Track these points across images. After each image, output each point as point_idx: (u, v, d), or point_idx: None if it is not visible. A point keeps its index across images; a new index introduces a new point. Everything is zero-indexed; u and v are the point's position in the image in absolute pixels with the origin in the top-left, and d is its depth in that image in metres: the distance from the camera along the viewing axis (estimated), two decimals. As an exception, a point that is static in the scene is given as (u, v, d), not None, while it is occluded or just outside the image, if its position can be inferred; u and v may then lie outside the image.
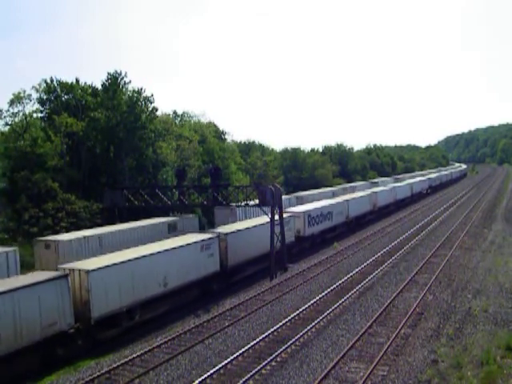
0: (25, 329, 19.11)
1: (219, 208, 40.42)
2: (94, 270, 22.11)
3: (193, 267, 28.22)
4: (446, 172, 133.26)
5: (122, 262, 23.79)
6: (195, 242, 28.80)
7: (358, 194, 59.82)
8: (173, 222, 37.21)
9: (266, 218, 36.02)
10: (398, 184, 79.95)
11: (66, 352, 21.10)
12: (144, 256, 25.10)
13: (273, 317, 24.65)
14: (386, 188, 70.29)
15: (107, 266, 22.94)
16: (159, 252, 26.13)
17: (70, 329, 21.00)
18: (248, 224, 35.69)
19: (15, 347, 18.73)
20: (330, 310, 25.04)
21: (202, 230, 39.80)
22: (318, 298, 27.26)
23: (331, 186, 74.77)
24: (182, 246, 27.76)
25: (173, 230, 36.08)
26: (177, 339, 22.34)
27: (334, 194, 61.64)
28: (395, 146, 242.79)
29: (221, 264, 30.93)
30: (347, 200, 52.85)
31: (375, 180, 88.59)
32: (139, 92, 46.87)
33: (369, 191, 64.16)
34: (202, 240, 29.45)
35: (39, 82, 45.43)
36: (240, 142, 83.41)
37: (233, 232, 32.49)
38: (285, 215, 38.18)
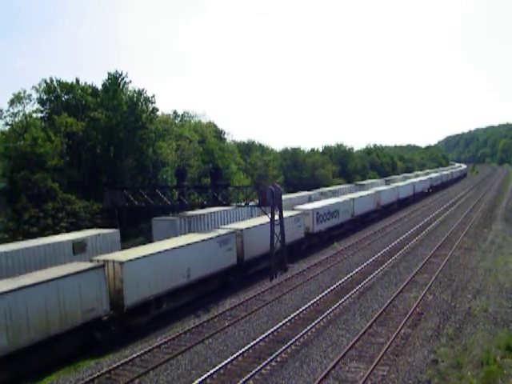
0: (68, 313, 20.91)
1: (157, 220, 35.44)
2: (127, 262, 23.62)
3: (213, 260, 29.78)
4: (446, 172, 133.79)
5: (152, 254, 25.38)
6: (215, 237, 30.53)
7: (362, 193, 60.99)
8: (80, 240, 30.30)
9: (284, 213, 38.16)
10: (401, 183, 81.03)
11: (104, 336, 22.66)
12: (171, 249, 26.82)
13: (273, 317, 24.65)
14: (389, 187, 71.64)
15: (139, 258, 24.49)
16: (184, 246, 27.83)
17: (105, 315, 22.54)
18: (263, 220, 36.81)
19: (60, 330, 20.52)
20: (330, 310, 25.04)
21: (127, 247, 31.10)
22: (318, 298, 27.26)
23: (330, 186, 74.69)
24: (203, 240, 29.46)
25: (80, 251, 29.91)
26: (177, 339, 22.35)
27: (311, 199, 57.70)
28: (395, 146, 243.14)
29: (237, 258, 32.41)
30: (353, 198, 54.12)
31: (362, 182, 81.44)
32: (140, 92, 46.90)
33: (373, 190, 65.13)
34: (221, 235, 31.11)
35: (39, 82, 45.57)
36: (240, 142, 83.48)
37: (248, 228, 33.95)
38: (295, 212, 40.94)
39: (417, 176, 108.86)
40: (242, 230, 33.05)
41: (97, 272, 22.33)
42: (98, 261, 23.69)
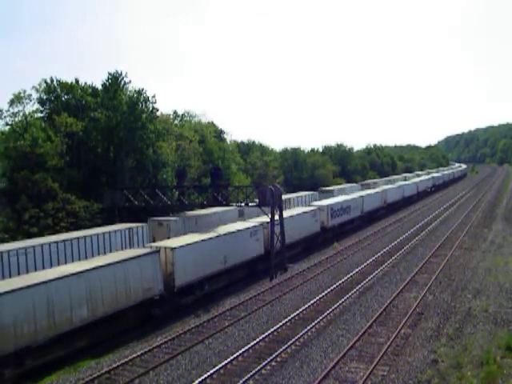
0: (132, 291, 24.16)
1: None
2: (177, 248, 26.99)
3: (244, 249, 32.87)
4: (447, 172, 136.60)
5: (197, 242, 28.85)
6: (247, 228, 33.75)
7: (371, 191, 64.89)
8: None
9: (301, 209, 44.17)
10: (406, 182, 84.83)
11: (160, 312, 25.99)
12: (213, 237, 30.37)
13: (273, 317, 24.65)
14: (394, 186, 75.39)
15: (186, 245, 27.90)
16: (222, 235, 31.22)
17: (159, 294, 25.71)
18: (287, 214, 39.72)
19: (126, 305, 23.85)
20: (330, 310, 25.04)
21: None
22: (318, 297, 27.26)
23: (330, 186, 74.72)
24: (238, 231, 32.79)
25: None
26: (177, 339, 22.35)
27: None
28: (395, 146, 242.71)
29: (264, 248, 35.39)
30: (362, 196, 57.78)
31: (329, 188, 69.03)
32: (140, 92, 46.86)
33: (380, 188, 68.17)
34: (251, 227, 34.31)
35: (39, 82, 45.45)
36: (240, 142, 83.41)
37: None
38: (312, 208, 44.84)
39: (405, 179, 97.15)
40: (268, 223, 35.49)
41: (154, 256, 25.63)
42: (150, 247, 26.93)
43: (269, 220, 35.38)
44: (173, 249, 26.61)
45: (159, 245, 27.48)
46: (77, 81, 47.62)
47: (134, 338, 23.64)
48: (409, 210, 70.77)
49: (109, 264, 23.10)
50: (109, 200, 38.99)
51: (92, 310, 21.97)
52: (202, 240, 29.34)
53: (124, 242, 33.16)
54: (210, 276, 29.75)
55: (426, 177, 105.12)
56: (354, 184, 79.59)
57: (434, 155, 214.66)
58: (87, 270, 21.98)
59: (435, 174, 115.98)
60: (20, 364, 19.41)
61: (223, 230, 32.63)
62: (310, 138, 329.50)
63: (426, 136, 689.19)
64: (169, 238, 32.81)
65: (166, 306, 26.52)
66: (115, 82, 46.49)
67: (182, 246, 27.35)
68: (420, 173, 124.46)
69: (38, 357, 19.99)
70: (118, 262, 23.52)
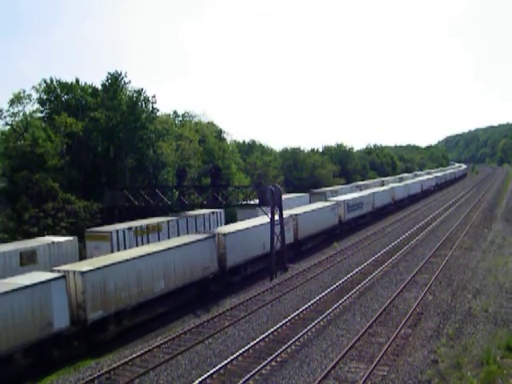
0: (195, 269, 28.59)
1: None
2: (228, 234, 31.82)
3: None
4: (449, 172, 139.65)
5: (243, 229, 33.64)
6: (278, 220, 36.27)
7: (381, 189, 70.22)
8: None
9: (323, 203, 48.73)
10: (411, 181, 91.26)
11: (215, 289, 30.52)
12: (255, 226, 35.00)
13: (273, 317, 24.65)
14: (401, 184, 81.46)
15: (235, 232, 32.61)
16: (262, 224, 35.33)
17: (215, 273, 30.25)
18: (311, 207, 45.63)
19: (191, 280, 28.29)
20: (330, 310, 25.03)
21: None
22: (318, 297, 27.25)
23: (331, 186, 74.75)
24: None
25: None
26: (177, 339, 22.34)
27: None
28: (395, 146, 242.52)
29: (293, 237, 39.96)
30: (374, 193, 62.74)
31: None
32: (139, 92, 46.84)
33: (388, 186, 73.46)
34: (285, 218, 36.45)
35: (39, 82, 45.43)
36: (240, 142, 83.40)
37: (301, 213, 41.63)
38: (331, 203, 49.31)
39: (383, 183, 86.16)
40: (296, 215, 40.45)
41: (211, 240, 30.34)
42: (204, 233, 32.01)
43: (297, 212, 40.22)
44: (225, 234, 31.39)
45: (213, 232, 32.24)
46: (77, 81, 47.59)
47: (134, 338, 23.66)
48: (410, 209, 71.00)
49: (180, 245, 27.88)
50: (109, 200, 38.95)
51: (167, 283, 26.45)
52: (247, 228, 34.10)
53: None
54: (252, 259, 33.93)
55: (430, 176, 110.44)
56: (302, 194, 60.47)
57: (434, 155, 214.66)
58: (163, 250, 26.63)
59: (438, 174, 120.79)
60: (119, 323, 23.79)
61: (262, 220, 36.55)
62: (310, 137, 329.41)
63: (426, 136, 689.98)
64: None
65: (220, 283, 30.96)
66: (115, 82, 46.47)
67: (232, 233, 32.16)
68: (406, 175, 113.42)
69: (131, 318, 24.36)
70: (185, 244, 28.21)
